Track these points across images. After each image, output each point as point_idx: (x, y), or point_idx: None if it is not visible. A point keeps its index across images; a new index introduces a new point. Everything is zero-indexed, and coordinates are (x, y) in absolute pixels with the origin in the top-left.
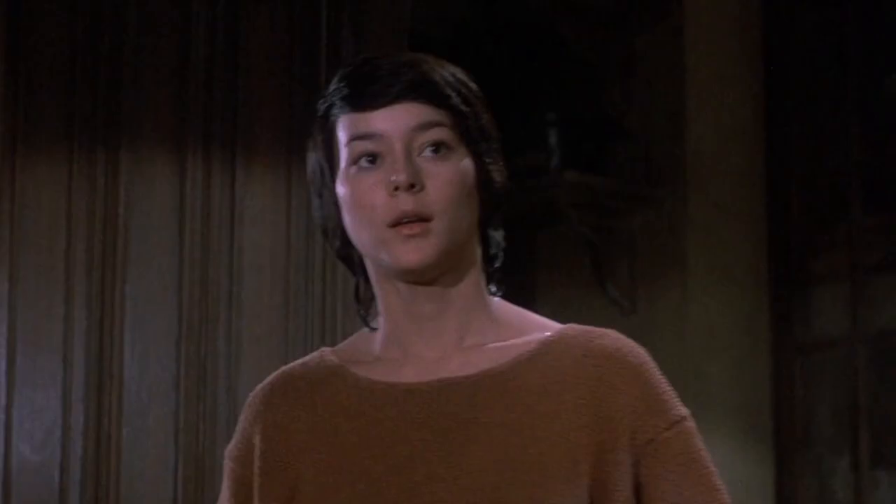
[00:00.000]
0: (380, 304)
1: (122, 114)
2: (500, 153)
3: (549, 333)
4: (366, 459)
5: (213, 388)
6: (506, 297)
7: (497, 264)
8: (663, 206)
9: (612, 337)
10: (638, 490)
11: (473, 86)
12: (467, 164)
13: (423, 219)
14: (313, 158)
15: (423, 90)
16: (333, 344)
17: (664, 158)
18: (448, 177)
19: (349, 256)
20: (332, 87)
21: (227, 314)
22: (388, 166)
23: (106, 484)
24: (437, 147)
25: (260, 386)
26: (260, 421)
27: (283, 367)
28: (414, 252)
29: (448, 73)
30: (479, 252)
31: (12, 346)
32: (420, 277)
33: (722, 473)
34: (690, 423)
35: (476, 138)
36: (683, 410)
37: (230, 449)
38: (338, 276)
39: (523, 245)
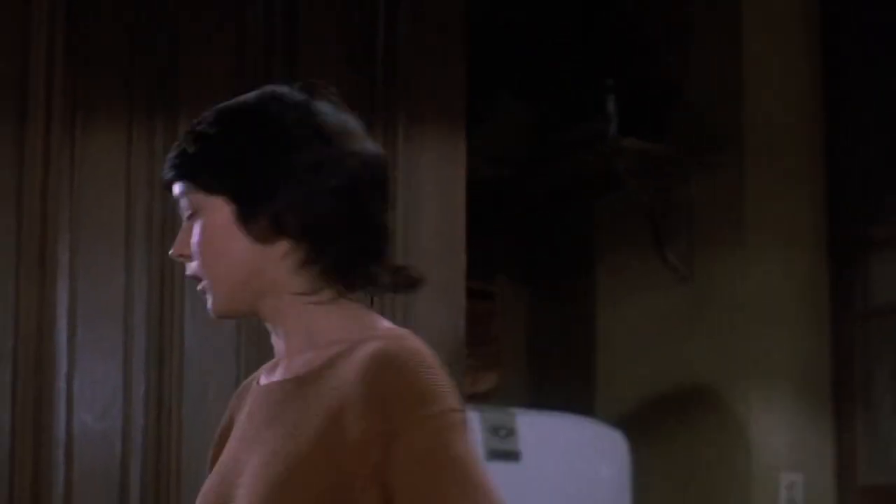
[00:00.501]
0: None
1: (179, 80)
2: (264, 175)
3: (360, 339)
4: (225, 455)
5: (272, 356)
6: (565, 265)
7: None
8: (722, 172)
9: (394, 350)
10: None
11: (214, 131)
12: (215, 216)
13: (197, 278)
14: None
15: (172, 169)
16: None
17: (722, 124)
18: (196, 240)
19: None
20: None
21: None
22: None
23: (167, 452)
24: (190, 216)
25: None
26: (226, 414)
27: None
28: (210, 305)
29: (192, 132)
30: (289, 277)
31: (73, 316)
32: (230, 318)
33: (781, 439)
34: (443, 422)
35: (217, 181)
36: (434, 411)
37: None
38: (397, 244)
39: (582, 213)
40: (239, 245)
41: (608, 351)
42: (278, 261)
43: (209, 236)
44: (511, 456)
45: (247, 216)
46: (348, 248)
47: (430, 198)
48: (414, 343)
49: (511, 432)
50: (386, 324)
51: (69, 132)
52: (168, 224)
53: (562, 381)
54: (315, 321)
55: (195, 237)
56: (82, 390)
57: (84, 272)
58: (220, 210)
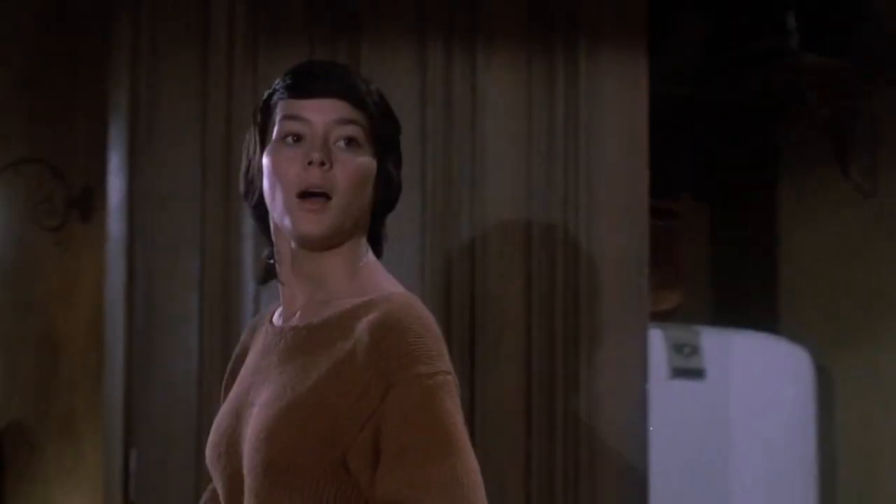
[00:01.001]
0: (276, 255)
1: (361, 4)
2: (399, 163)
3: (368, 296)
4: (238, 378)
5: (459, 277)
6: (747, 182)
7: (381, 256)
8: None
9: (394, 308)
10: (376, 432)
11: (387, 104)
12: (371, 161)
13: (326, 196)
14: (250, 131)
15: (348, 92)
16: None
17: None
18: (353, 165)
19: (262, 217)
20: (279, 80)
21: (471, 203)
22: (306, 146)
23: None
24: (349, 141)
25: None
26: (235, 352)
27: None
28: (310, 223)
29: (372, 87)
30: (361, 241)
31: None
32: (312, 245)
33: None
34: (435, 380)
35: (382, 143)
36: (428, 369)
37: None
38: (580, 165)
39: (763, 129)
40: (367, 196)
41: (791, 268)
42: (363, 228)
43: (363, 175)
44: (695, 374)
45: (384, 181)
46: (384, 218)
47: (613, 117)
48: (419, 309)
49: (695, 350)
50: (399, 288)
51: (251, 57)
52: None
53: (745, 299)
54: (346, 276)
55: (356, 164)
56: None
57: None
58: (371, 161)
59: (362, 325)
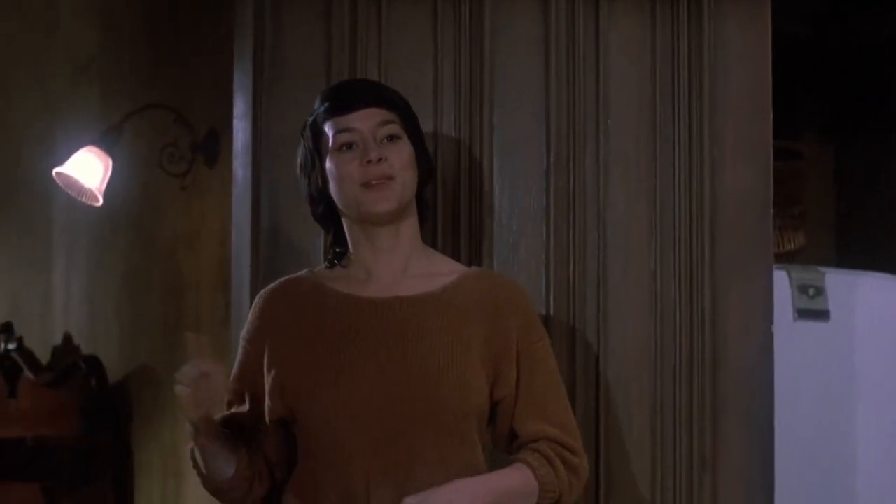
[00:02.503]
0: (350, 244)
1: None
2: (426, 147)
3: (462, 270)
4: (342, 347)
5: (582, 219)
6: (872, 122)
7: (426, 220)
8: None
9: (504, 278)
10: (518, 377)
11: (407, 102)
12: (410, 147)
13: (388, 177)
14: (303, 150)
15: (382, 100)
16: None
17: None
18: (401, 152)
19: (325, 218)
20: (318, 105)
21: (595, 144)
22: (361, 149)
23: None
24: (392, 137)
25: (263, 291)
26: (265, 315)
27: (280, 279)
28: (382, 201)
29: (396, 93)
30: (416, 210)
31: None
32: (383, 220)
33: None
34: (547, 340)
35: (414, 133)
36: (545, 332)
37: (243, 333)
38: (703, 105)
39: (887, 69)
40: (415, 174)
41: None
42: (413, 197)
43: (410, 158)
44: (820, 315)
45: (421, 162)
46: (425, 188)
47: (736, 56)
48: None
49: (819, 291)
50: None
51: (375, 1)
52: (475, 90)
53: (870, 240)
54: (421, 249)
55: (402, 151)
56: None
57: None
58: (411, 148)
59: (492, 297)
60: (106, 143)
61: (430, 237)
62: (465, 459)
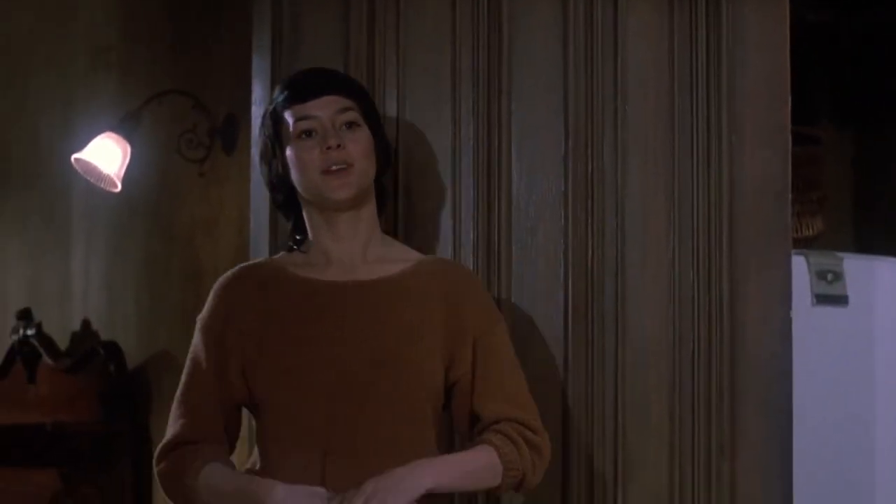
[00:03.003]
0: (310, 230)
1: None
2: (384, 133)
3: (419, 257)
4: (302, 329)
5: (600, 204)
6: (891, 107)
7: (385, 207)
8: None
9: (460, 266)
10: (473, 365)
11: (367, 91)
12: (369, 135)
13: (348, 164)
14: (263, 139)
15: (341, 88)
16: None
17: None
18: (360, 141)
19: (286, 205)
20: (278, 93)
21: (613, 130)
22: (320, 136)
23: (496, 300)
24: (350, 124)
25: (224, 276)
26: (226, 300)
27: (238, 266)
28: (341, 188)
29: (354, 80)
30: (374, 197)
31: (402, 164)
32: (342, 207)
33: None
34: (503, 325)
35: (373, 121)
36: (500, 316)
37: (202, 317)
38: (721, 91)
39: None
40: (373, 162)
41: None
42: (371, 183)
43: (369, 146)
44: (838, 300)
45: (380, 148)
46: (383, 176)
47: (754, 42)
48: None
49: (838, 276)
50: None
51: None
52: (493, 75)
53: (888, 225)
54: (378, 235)
55: (360, 138)
56: (411, 238)
57: (412, 119)
58: (370, 135)
59: (447, 283)
60: (124, 130)
61: (448, 222)
62: (420, 439)
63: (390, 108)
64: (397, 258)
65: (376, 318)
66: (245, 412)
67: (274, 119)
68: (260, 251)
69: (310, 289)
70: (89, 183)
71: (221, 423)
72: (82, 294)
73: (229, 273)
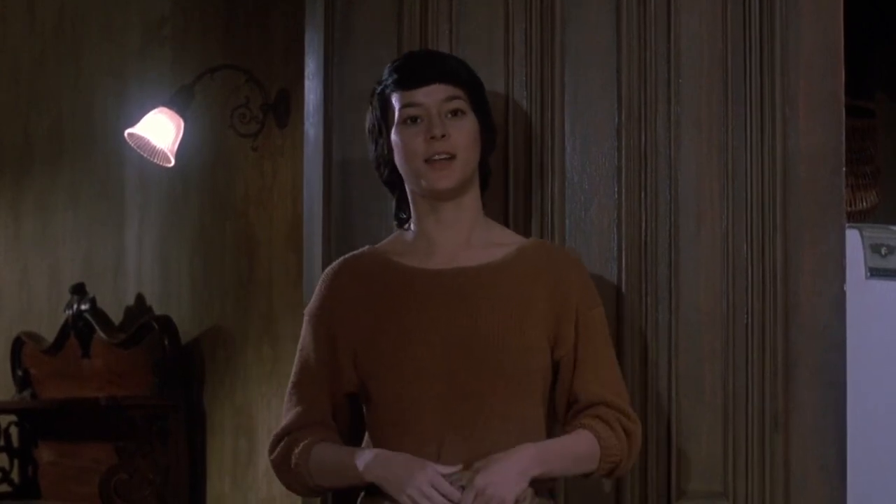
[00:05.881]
0: (414, 214)
1: None
2: (492, 117)
3: (523, 241)
4: (409, 318)
5: (654, 177)
6: None
7: (488, 187)
8: None
9: (563, 248)
10: (576, 342)
11: (473, 72)
12: (475, 122)
13: (451, 155)
14: (371, 118)
15: (448, 75)
16: None
17: None
18: (464, 130)
19: (392, 182)
20: (387, 75)
21: (666, 102)
22: (425, 124)
23: None
24: (456, 112)
25: (330, 267)
26: (332, 292)
27: (342, 258)
28: (444, 179)
29: (463, 66)
30: (478, 186)
31: None
32: (445, 196)
33: None
34: (602, 309)
35: (480, 108)
36: (600, 301)
37: (310, 309)
38: (775, 63)
39: None
40: (478, 149)
41: None
42: (477, 173)
43: (474, 135)
44: (892, 274)
45: (485, 135)
46: (488, 157)
47: (808, 13)
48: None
49: (892, 250)
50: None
51: None
52: (546, 48)
53: None
54: (483, 221)
55: (466, 128)
56: None
57: None
58: (475, 122)
59: (552, 265)
60: (177, 104)
61: (501, 197)
62: (531, 414)
63: None
64: (500, 242)
65: (483, 301)
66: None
67: (381, 100)
68: (313, 225)
69: (415, 278)
70: (143, 157)
71: (331, 412)
72: (136, 268)
73: (334, 264)
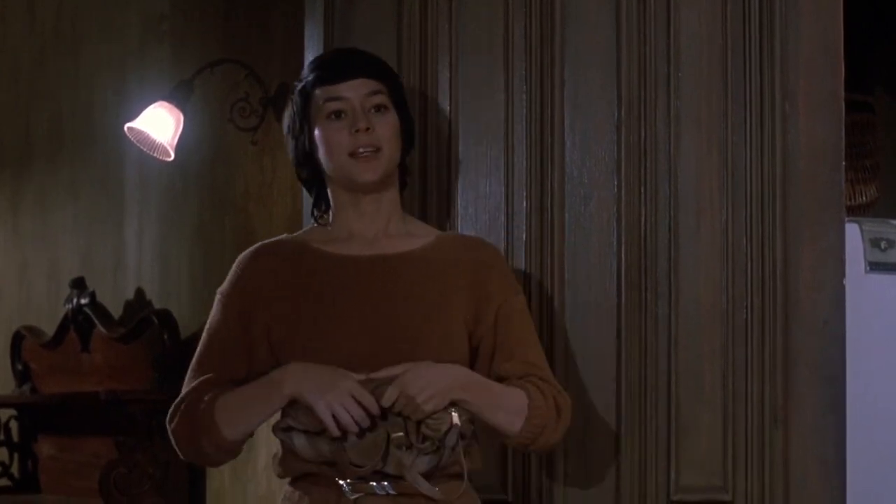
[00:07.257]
0: (334, 207)
1: None
2: (411, 115)
3: (440, 233)
4: (329, 303)
5: (653, 172)
6: None
7: (406, 185)
8: None
9: (481, 238)
10: (495, 328)
11: (393, 70)
12: (396, 118)
13: (376, 148)
14: (290, 114)
15: (371, 71)
16: None
17: None
18: (388, 124)
19: (310, 180)
20: (308, 72)
21: (666, 98)
22: (349, 119)
23: (550, 268)
24: (379, 107)
25: (246, 252)
26: (248, 272)
27: (259, 243)
28: (369, 172)
29: (384, 63)
30: (397, 180)
31: (455, 134)
32: (368, 189)
33: None
34: (524, 297)
35: (400, 103)
36: (520, 288)
37: (223, 289)
38: (775, 58)
39: None
40: (399, 144)
41: None
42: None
43: (396, 130)
44: (892, 268)
45: (405, 132)
46: (408, 155)
47: (808, 9)
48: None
49: (892, 244)
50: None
51: None
52: (546, 45)
53: None
54: (400, 214)
55: (389, 122)
56: (465, 207)
57: (464, 90)
58: (396, 118)
59: (471, 255)
60: (177, 99)
61: (501, 192)
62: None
63: (443, 79)
64: (417, 233)
65: (401, 289)
66: None
67: (303, 97)
68: (312, 219)
69: (335, 263)
70: (142, 152)
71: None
72: (136, 263)
73: (250, 249)
